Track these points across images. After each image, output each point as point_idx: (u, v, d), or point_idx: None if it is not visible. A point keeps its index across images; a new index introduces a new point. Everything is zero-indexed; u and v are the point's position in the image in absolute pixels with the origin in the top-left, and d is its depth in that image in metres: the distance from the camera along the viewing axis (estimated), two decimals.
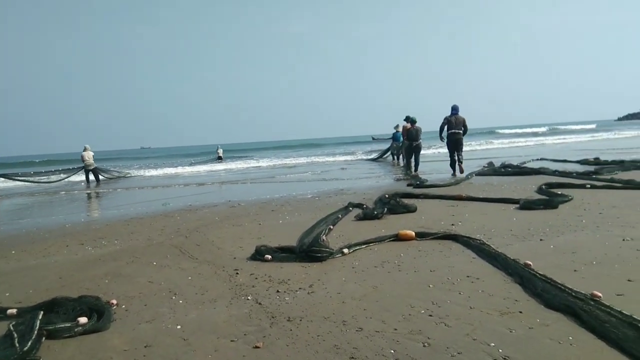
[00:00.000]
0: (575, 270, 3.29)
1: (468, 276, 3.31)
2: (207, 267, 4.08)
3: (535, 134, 44.52)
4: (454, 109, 11.54)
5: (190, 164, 26.00)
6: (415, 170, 12.73)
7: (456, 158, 11.65)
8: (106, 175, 18.38)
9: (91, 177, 17.11)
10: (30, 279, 4.10)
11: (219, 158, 29.23)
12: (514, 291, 2.95)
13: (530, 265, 3.39)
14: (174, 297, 3.28)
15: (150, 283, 3.70)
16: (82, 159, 17.11)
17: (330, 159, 20.64)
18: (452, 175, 11.44)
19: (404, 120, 15.48)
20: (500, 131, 59.56)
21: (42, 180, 17.09)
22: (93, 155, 17.23)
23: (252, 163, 19.91)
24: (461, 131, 11.52)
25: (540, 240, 4.28)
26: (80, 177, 17.78)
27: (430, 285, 3.16)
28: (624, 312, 2.40)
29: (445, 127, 11.56)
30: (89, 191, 13.90)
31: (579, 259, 3.57)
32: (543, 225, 4.92)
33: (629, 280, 2.99)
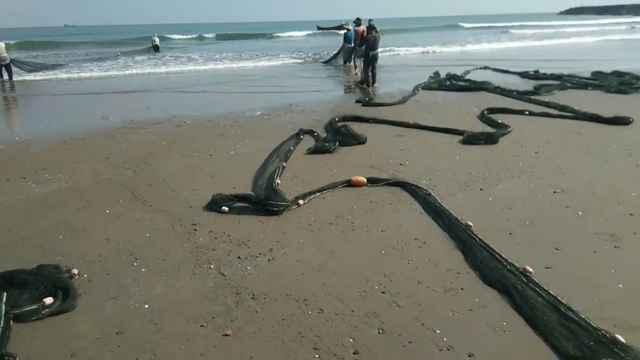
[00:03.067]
0: (510, 234, 3.65)
1: (416, 239, 3.60)
2: (163, 220, 4.11)
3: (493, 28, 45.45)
4: (372, 26, 11.84)
5: (117, 55, 23.94)
6: (374, 82, 12.03)
7: (371, 73, 11.96)
8: (24, 68, 16.27)
9: (4, 74, 14.86)
10: None
11: (156, 48, 27.19)
12: (457, 260, 3.27)
13: (471, 226, 3.71)
14: (135, 264, 3.35)
15: (108, 241, 3.72)
16: None
17: (278, 62, 19.70)
18: (366, 85, 11.85)
19: (354, 22, 14.90)
20: (464, 24, 59.46)
21: None
22: (5, 47, 15.04)
23: (191, 66, 18.55)
24: (379, 50, 11.99)
25: (481, 189, 4.61)
26: None
27: (382, 252, 3.42)
28: (551, 292, 2.78)
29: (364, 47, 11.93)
30: (9, 94, 12.74)
31: (514, 218, 3.93)
32: (483, 168, 5.25)
33: (556, 249, 3.38)
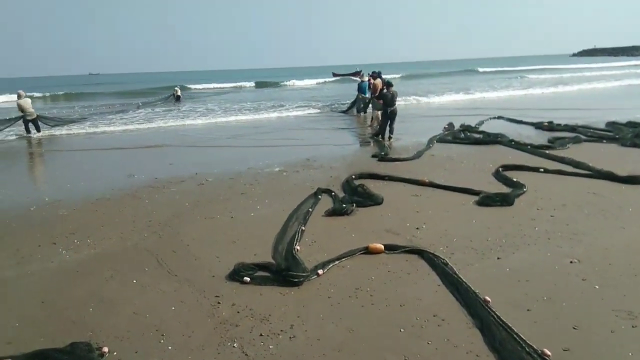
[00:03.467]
0: (528, 310, 3.70)
1: (435, 315, 3.67)
2: (188, 291, 4.25)
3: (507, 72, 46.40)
4: (389, 83, 12.21)
5: (138, 106, 24.77)
6: (391, 136, 12.17)
7: (389, 127, 12.18)
8: (49, 124, 16.81)
9: (32, 129, 15.47)
10: (11, 303, 4.17)
11: (177, 98, 28.39)
12: (476, 340, 3.33)
13: (489, 302, 3.78)
14: (162, 341, 3.47)
15: (136, 315, 3.86)
16: (21, 109, 15.30)
17: (295, 113, 20.14)
18: (381, 138, 12.05)
19: (370, 74, 15.39)
20: (480, 69, 61.49)
21: None
22: (30, 102, 15.80)
23: (212, 118, 19.02)
24: (396, 106, 12.15)
25: (498, 258, 4.68)
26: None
27: (402, 330, 3.50)
28: None
29: (381, 101, 12.41)
30: (37, 150, 13.31)
31: (532, 292, 3.98)
32: (500, 233, 5.32)
33: (574, 328, 3.41)
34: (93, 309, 3.99)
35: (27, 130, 15.50)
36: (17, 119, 15.71)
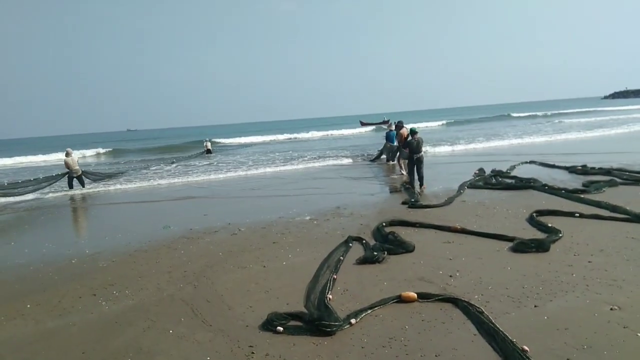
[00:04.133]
0: (568, 359, 3.58)
1: None
2: (222, 341, 4.30)
3: (537, 116, 46.07)
4: (414, 131, 12.23)
5: (172, 162, 25.55)
6: (421, 185, 11.95)
7: (417, 175, 12.07)
8: (92, 178, 17.77)
9: (75, 183, 16.31)
10: (54, 353, 4.31)
11: (208, 151, 29.68)
12: None
13: (527, 351, 3.68)
14: None
15: None
16: (67, 166, 16.16)
17: (325, 163, 20.36)
18: (415, 190, 11.59)
19: (396, 124, 15.64)
20: (515, 114, 61.82)
21: (18, 193, 14.94)
22: (78, 160, 16.76)
23: (241, 171, 19.39)
24: (423, 153, 12.14)
25: (535, 306, 4.56)
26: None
27: None
28: None
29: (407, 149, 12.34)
30: (78, 205, 13.91)
31: (571, 340, 3.86)
32: (536, 280, 5.21)
33: None
34: None
35: (70, 186, 16.28)
36: (62, 175, 16.52)
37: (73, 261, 7.29)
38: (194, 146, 37.31)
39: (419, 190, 11.55)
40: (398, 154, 15.47)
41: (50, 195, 15.60)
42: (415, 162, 12.04)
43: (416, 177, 12.10)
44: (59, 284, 6.23)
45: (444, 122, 54.49)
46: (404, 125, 15.11)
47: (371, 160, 19.59)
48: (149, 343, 4.37)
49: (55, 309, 5.38)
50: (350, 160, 20.65)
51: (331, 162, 20.58)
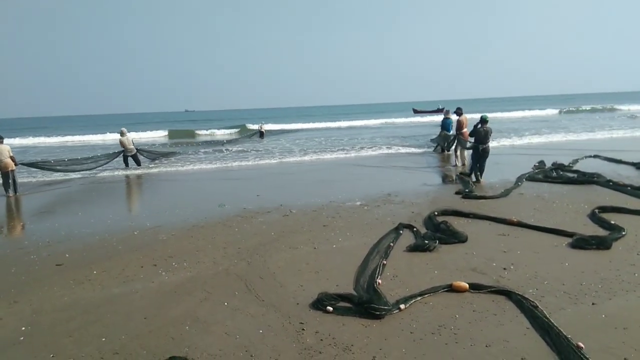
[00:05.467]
0: (625, 359, 3.46)
1: (523, 359, 3.54)
2: (274, 316, 4.46)
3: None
4: (484, 119, 11.34)
5: (224, 144, 25.85)
6: (480, 178, 11.30)
7: (479, 167, 11.41)
8: (149, 157, 18.46)
9: (131, 162, 16.94)
10: (118, 317, 4.61)
11: (261, 134, 30.20)
12: None
13: (582, 348, 3.58)
14: None
15: (227, 336, 4.12)
16: (122, 145, 16.81)
17: (378, 152, 19.81)
18: (470, 180, 11.14)
19: (455, 112, 15.18)
20: (619, 107, 52.29)
21: (79, 169, 15.59)
22: (133, 140, 17.27)
23: (293, 157, 19.22)
24: (489, 145, 11.39)
25: (592, 304, 4.41)
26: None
27: None
28: None
29: (473, 138, 11.53)
30: (136, 181, 14.54)
31: (629, 340, 3.72)
32: (595, 278, 5.02)
33: None
34: (189, 327, 4.32)
35: (126, 164, 17.02)
36: (118, 154, 17.15)
37: (135, 233, 7.71)
38: (248, 130, 38.20)
39: (478, 184, 10.96)
40: (455, 143, 14.96)
41: (108, 172, 16.29)
42: (480, 153, 11.30)
43: (473, 169, 11.58)
44: (123, 254, 6.62)
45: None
46: (462, 112, 14.61)
47: (433, 150, 18.86)
48: (205, 313, 4.60)
49: (120, 276, 5.74)
50: (405, 149, 20.23)
51: (384, 150, 20.31)
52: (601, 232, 6.61)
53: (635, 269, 5.23)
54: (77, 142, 35.42)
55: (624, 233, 6.43)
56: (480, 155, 11.33)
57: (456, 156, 14.50)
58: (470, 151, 13.00)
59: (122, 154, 17.00)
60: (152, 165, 17.59)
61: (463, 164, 13.85)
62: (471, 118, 15.79)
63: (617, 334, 3.85)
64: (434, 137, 20.02)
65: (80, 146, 30.74)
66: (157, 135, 38.27)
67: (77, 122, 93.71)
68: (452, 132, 16.23)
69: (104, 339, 4.16)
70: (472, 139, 11.94)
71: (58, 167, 15.10)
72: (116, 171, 16.41)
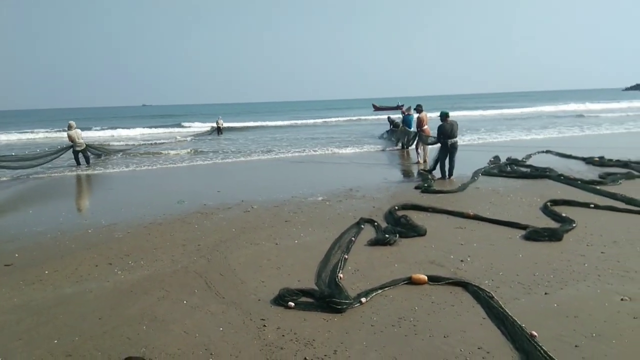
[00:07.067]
0: (576, 346, 3.61)
1: (479, 348, 3.64)
2: (234, 313, 4.40)
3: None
4: (445, 113, 11.23)
5: (177, 139, 25.19)
6: (450, 175, 11.16)
7: (447, 167, 11.21)
8: (96, 153, 17.68)
9: (81, 160, 15.97)
10: (71, 318, 4.43)
11: (219, 130, 29.50)
12: None
13: (535, 336, 3.71)
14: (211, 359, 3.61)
15: (186, 334, 4.03)
16: (71, 139, 15.74)
17: (336, 150, 19.58)
18: (430, 176, 11.21)
19: (415, 109, 15.42)
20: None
21: (26, 165, 14.85)
22: (81, 134, 16.22)
23: (254, 154, 18.76)
24: (457, 139, 11.21)
25: (545, 294, 4.58)
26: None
27: None
28: None
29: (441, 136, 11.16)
30: (89, 178, 14.02)
31: (580, 328, 3.88)
32: (547, 268, 5.21)
33: None
34: (146, 327, 4.19)
35: (77, 161, 15.95)
36: (66, 149, 16.22)
37: (89, 231, 7.43)
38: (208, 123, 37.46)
39: (448, 181, 10.88)
40: (416, 140, 15.17)
41: (60, 169, 15.53)
42: (448, 148, 11.07)
43: (440, 166, 11.36)
44: (76, 252, 6.37)
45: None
46: (422, 109, 14.85)
47: (396, 146, 18.94)
48: (163, 312, 4.48)
49: (73, 276, 5.52)
50: (367, 146, 20.25)
51: (348, 147, 20.34)
52: (553, 224, 6.87)
53: (585, 259, 5.46)
54: (15, 141, 31.87)
55: (574, 225, 6.71)
56: (449, 151, 11.11)
57: (418, 153, 14.69)
58: (432, 147, 13.29)
59: (71, 149, 16.04)
60: (105, 162, 16.94)
61: (425, 161, 14.01)
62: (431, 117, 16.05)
63: (569, 322, 4.01)
64: (384, 133, 20.55)
65: (21, 146, 28.56)
66: (108, 135, 36.46)
67: (17, 117, 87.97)
68: (413, 128, 16.49)
69: (56, 341, 3.99)
70: (433, 137, 12.13)
71: (2, 164, 14.27)
72: (68, 168, 15.71)
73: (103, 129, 38.04)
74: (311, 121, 45.48)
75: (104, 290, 5.08)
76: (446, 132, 11.07)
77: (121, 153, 19.26)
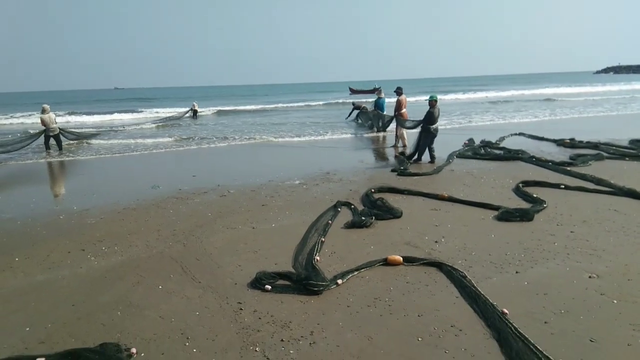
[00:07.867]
0: (545, 322, 3.73)
1: (452, 326, 3.72)
2: (211, 297, 4.39)
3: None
4: (434, 98, 11.04)
5: (159, 124, 24.83)
6: (432, 160, 11.03)
7: (429, 149, 11.14)
8: (70, 138, 17.07)
9: (52, 144, 15.38)
10: (44, 305, 4.36)
11: (195, 113, 29.25)
12: (493, 351, 3.37)
13: (506, 314, 3.82)
14: (187, 344, 3.60)
15: (162, 319, 4.01)
16: (43, 123, 15.16)
17: (313, 137, 19.29)
18: (406, 159, 11.02)
19: (395, 92, 15.31)
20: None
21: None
22: (55, 118, 15.71)
23: (230, 141, 18.31)
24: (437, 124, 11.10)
25: (516, 272, 4.70)
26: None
27: (419, 339, 3.56)
28: None
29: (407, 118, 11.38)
30: (60, 163, 13.63)
31: (549, 305, 4.01)
32: (519, 248, 5.35)
33: (590, 341, 3.43)
34: (121, 313, 4.15)
35: (47, 147, 15.40)
36: (39, 134, 15.68)
37: (61, 217, 7.28)
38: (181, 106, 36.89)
39: (406, 159, 10.95)
40: (394, 123, 14.97)
41: (30, 154, 14.97)
42: (432, 133, 10.98)
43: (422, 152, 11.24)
44: (48, 239, 6.24)
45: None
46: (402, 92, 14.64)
47: (369, 127, 18.98)
48: (138, 297, 4.44)
49: (44, 263, 5.41)
50: (344, 130, 20.22)
51: (327, 132, 20.36)
52: (524, 205, 7.03)
53: (555, 238, 5.62)
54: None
55: (545, 205, 6.88)
56: (431, 137, 11.04)
57: (397, 136, 14.37)
58: (409, 130, 13.30)
59: (44, 134, 15.49)
60: (77, 147, 16.41)
61: (405, 146, 13.74)
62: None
63: (539, 300, 4.13)
64: (356, 118, 20.94)
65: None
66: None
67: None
68: (386, 112, 16.49)
69: (28, 329, 3.92)
70: (411, 121, 12.40)
71: None
72: (38, 153, 15.17)
73: (76, 114, 36.76)
74: (291, 105, 44.68)
75: (77, 276, 5.00)
76: (432, 118, 10.93)
77: (95, 138, 18.73)
